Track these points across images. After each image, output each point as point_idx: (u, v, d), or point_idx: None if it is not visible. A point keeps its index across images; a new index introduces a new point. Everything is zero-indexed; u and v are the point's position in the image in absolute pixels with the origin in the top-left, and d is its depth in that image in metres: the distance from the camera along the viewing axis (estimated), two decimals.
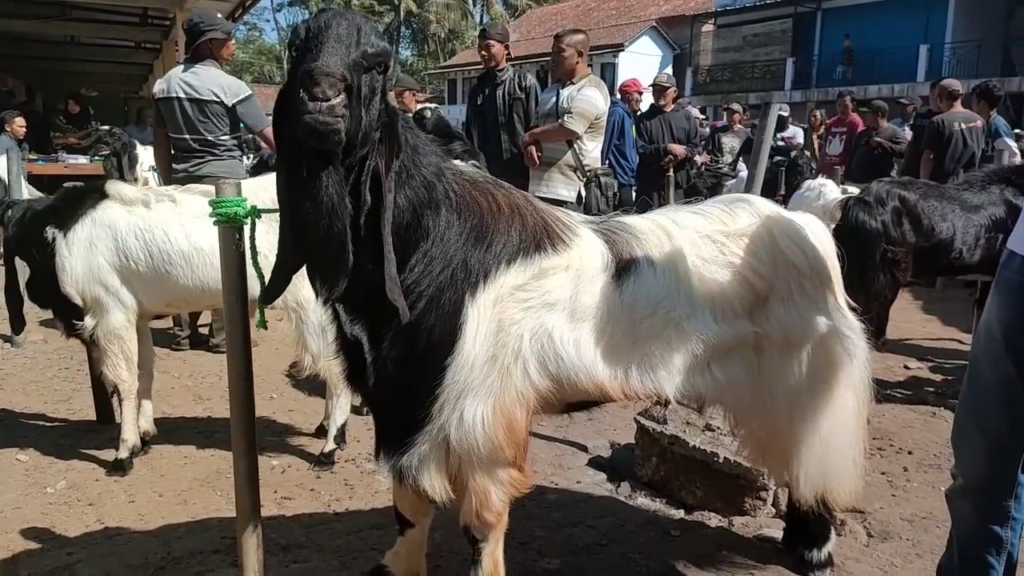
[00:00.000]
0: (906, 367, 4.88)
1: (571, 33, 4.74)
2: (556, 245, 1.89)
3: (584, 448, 3.46)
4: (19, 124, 8.09)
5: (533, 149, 4.57)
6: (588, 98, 4.47)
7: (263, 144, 5.40)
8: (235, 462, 2.08)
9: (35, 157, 8.82)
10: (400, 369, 1.79)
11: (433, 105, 5.10)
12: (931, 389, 4.43)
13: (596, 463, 3.33)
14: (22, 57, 15.96)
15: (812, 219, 2.25)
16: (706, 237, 2.05)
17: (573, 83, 4.57)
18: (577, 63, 4.58)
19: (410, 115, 5.38)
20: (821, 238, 2.18)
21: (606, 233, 2.02)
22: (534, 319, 1.83)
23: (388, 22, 44.12)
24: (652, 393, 1.99)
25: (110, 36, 14.01)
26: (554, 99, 4.63)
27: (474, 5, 43.78)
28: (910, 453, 3.46)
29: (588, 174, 4.57)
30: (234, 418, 2.06)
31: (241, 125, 4.40)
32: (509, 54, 5.31)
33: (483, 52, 5.17)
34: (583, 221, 2.06)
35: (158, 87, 4.26)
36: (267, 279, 1.84)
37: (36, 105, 13.77)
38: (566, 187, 4.60)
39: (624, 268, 1.95)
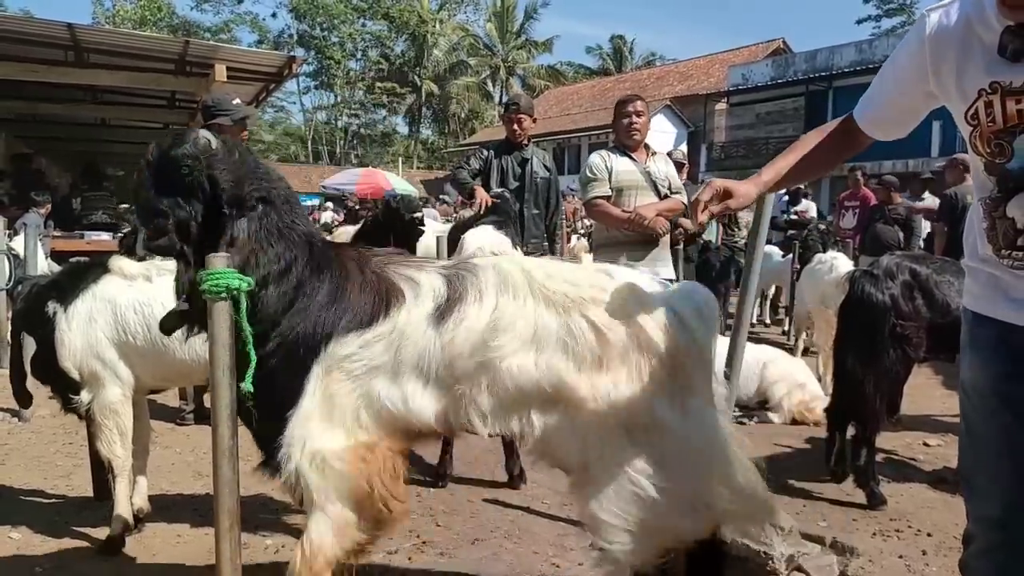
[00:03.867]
0: (925, 444, 4.73)
1: (639, 98, 4.67)
2: (391, 310, 2.07)
3: None
4: (46, 206, 8.34)
5: (663, 220, 4.39)
6: (676, 173, 4.50)
7: None
8: (217, 542, 2.03)
9: (59, 234, 9.05)
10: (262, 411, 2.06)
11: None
12: (952, 467, 4.27)
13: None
14: (55, 139, 16.59)
15: (689, 304, 2.09)
16: (563, 294, 2.05)
17: (653, 153, 4.58)
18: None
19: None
20: (688, 324, 2.05)
21: (452, 275, 2.12)
22: (362, 384, 2.05)
23: (410, 103, 45.56)
24: (470, 430, 2.09)
25: (140, 118, 14.55)
26: (636, 169, 4.48)
27: (493, 86, 45.16)
28: (929, 535, 3.31)
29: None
30: (218, 496, 2.02)
31: None
32: None
33: (515, 127, 5.18)
34: (437, 267, 2.19)
35: None
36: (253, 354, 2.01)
37: (60, 185, 14.16)
38: (671, 265, 4.61)
39: (449, 309, 2.05)
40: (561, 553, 3.11)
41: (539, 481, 3.90)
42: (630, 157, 4.52)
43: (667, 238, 4.53)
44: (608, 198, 4.48)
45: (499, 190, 5.02)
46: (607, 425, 2.00)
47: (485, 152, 5.31)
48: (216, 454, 2.03)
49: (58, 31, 8.57)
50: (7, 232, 6.53)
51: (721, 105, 29.73)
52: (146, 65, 9.74)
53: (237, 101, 4.53)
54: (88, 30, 9.40)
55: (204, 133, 2.13)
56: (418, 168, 41.27)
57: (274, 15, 58.48)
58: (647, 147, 4.62)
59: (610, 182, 4.48)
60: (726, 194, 1.91)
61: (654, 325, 2.04)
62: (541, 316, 2.04)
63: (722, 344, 4.56)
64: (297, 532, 3.28)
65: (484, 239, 3.89)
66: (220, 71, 9.14)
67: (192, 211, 2.07)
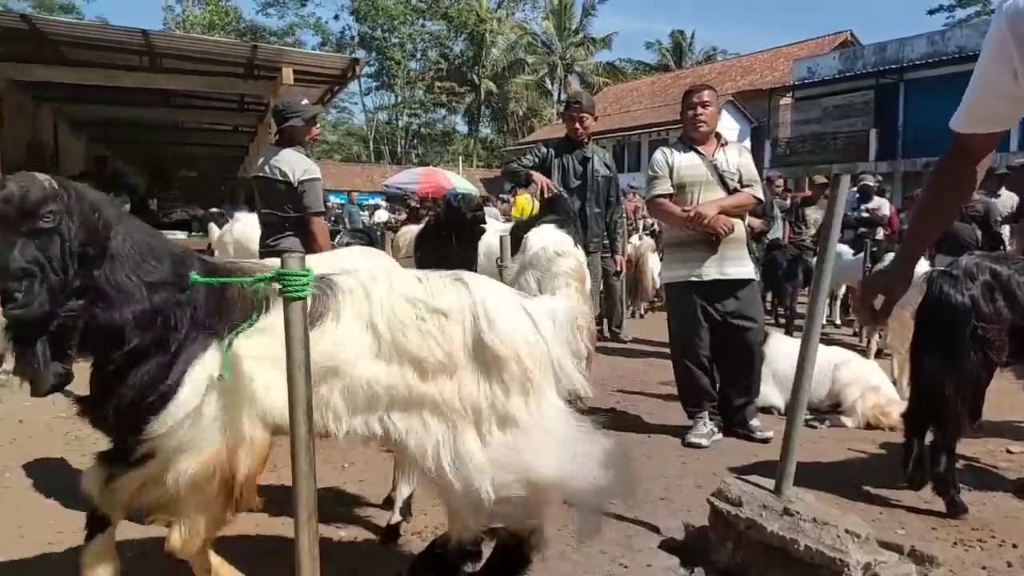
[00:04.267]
0: (1008, 451, 4.54)
1: (707, 87, 4.55)
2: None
3: (656, 529, 3.32)
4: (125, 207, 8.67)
5: (725, 219, 4.24)
6: (752, 163, 4.34)
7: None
8: (296, 534, 2.09)
9: None
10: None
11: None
12: None
13: (669, 546, 3.18)
14: (130, 142, 17.25)
15: (544, 311, 2.49)
16: (410, 302, 2.26)
17: (725, 145, 4.43)
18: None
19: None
20: (542, 331, 2.37)
21: (316, 289, 2.22)
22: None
23: (469, 102, 45.84)
24: (322, 431, 2.22)
25: (210, 121, 15.04)
26: (702, 163, 4.36)
27: (551, 84, 45.09)
28: (1015, 546, 3.18)
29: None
30: (296, 488, 2.08)
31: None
32: None
33: (576, 124, 5.16)
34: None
35: (255, 166, 4.58)
36: None
37: (135, 186, 14.77)
38: (750, 264, 4.49)
39: (313, 322, 2.18)
40: (628, 554, 3.10)
41: None
42: (696, 151, 4.43)
43: (740, 233, 4.40)
44: (670, 196, 4.42)
45: (556, 190, 5.01)
46: (456, 425, 2.23)
47: (543, 149, 5.29)
48: (294, 448, 2.09)
49: (134, 37, 8.92)
50: None
51: (786, 100, 29.02)
52: (217, 69, 10.06)
53: (305, 102, 4.66)
54: (162, 35, 9.77)
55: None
56: (477, 167, 41.51)
57: (336, 17, 59.48)
58: (718, 137, 4.52)
59: (671, 179, 4.41)
60: (888, 298, 1.96)
61: (495, 333, 2.25)
62: (387, 329, 2.23)
63: (792, 345, 4.50)
64: (369, 524, 3.36)
65: (548, 238, 3.89)
66: (287, 74, 9.39)
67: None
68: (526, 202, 5.34)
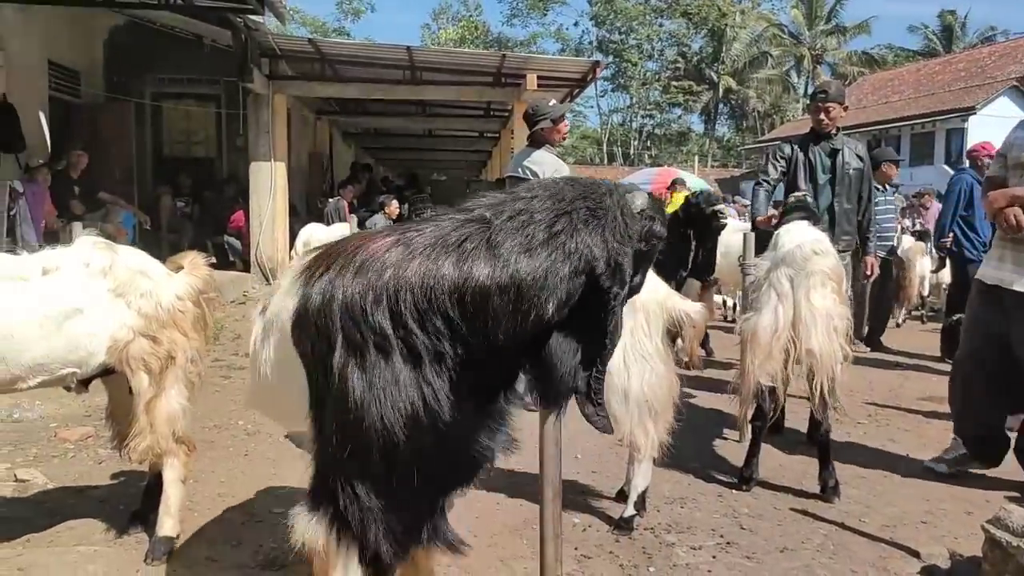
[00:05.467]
0: None
1: None
2: None
3: (916, 554, 3.02)
4: (395, 207, 9.53)
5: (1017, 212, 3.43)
6: None
7: None
8: (541, 510, 2.21)
9: None
10: None
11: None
12: None
13: (929, 572, 2.89)
14: (388, 149, 19.04)
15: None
16: None
17: None
18: None
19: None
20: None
21: None
22: None
23: (705, 101, 44.67)
24: None
25: (458, 128, 16.14)
26: None
27: (797, 77, 42.52)
28: None
29: None
30: (543, 469, 2.21)
31: None
32: None
33: (821, 115, 4.80)
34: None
35: (508, 166, 4.91)
36: None
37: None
38: None
39: None
40: None
41: (855, 497, 3.62)
42: None
43: None
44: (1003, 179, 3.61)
45: (799, 193, 4.67)
46: None
47: (786, 148, 4.96)
48: (542, 433, 2.23)
49: (399, 53, 9.82)
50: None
51: None
52: (469, 79, 10.77)
53: (553, 103, 4.86)
54: (422, 50, 10.65)
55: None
56: (712, 167, 40.30)
57: (576, 24, 60.88)
58: None
59: (1006, 158, 3.67)
60: None
61: None
62: None
63: None
64: (601, 514, 3.43)
65: (803, 235, 3.70)
66: (531, 80, 9.81)
67: None
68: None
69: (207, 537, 3.08)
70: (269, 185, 9.81)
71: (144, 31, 10.74)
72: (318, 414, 1.71)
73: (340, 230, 7.90)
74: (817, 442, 3.76)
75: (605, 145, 47.36)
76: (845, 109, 4.90)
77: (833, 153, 4.84)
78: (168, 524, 2.90)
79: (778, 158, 4.94)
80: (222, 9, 8.65)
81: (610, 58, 42.92)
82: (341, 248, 1.73)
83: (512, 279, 1.51)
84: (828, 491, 3.61)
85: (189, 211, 11.04)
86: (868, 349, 7.53)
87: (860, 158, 4.89)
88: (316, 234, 8.36)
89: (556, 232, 1.52)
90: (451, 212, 1.67)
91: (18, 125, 8.03)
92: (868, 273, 5.42)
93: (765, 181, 4.97)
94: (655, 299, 3.12)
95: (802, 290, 3.48)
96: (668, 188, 10.89)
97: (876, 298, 7.75)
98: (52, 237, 6.68)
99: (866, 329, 7.76)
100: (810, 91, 39.15)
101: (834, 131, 4.85)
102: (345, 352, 1.59)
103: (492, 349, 1.57)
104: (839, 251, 4.54)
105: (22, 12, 8.58)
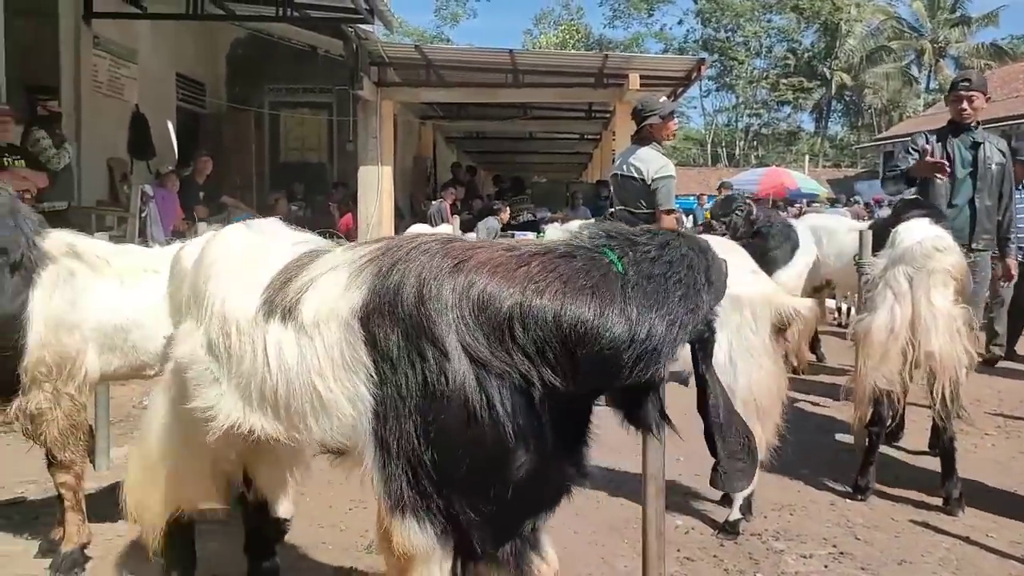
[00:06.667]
0: None
1: None
2: None
3: None
4: (507, 214, 9.66)
5: None
6: None
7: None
8: (644, 507, 2.18)
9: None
10: None
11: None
12: None
13: None
14: (489, 152, 19.30)
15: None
16: None
17: None
18: None
19: None
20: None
21: None
22: None
23: (817, 98, 42.93)
24: None
25: (559, 130, 16.16)
26: None
27: (918, 72, 40.19)
28: None
29: None
30: (646, 467, 2.19)
31: None
32: None
33: (963, 106, 4.50)
34: None
35: (614, 164, 4.88)
36: None
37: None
38: None
39: None
40: None
41: (981, 512, 3.38)
42: None
43: None
44: None
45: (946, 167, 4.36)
46: None
47: (920, 140, 4.67)
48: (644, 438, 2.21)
49: (501, 57, 9.93)
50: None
51: None
52: (570, 81, 10.77)
53: (663, 99, 4.77)
54: (524, 53, 10.76)
55: None
56: (824, 166, 38.61)
57: (680, 22, 59.84)
58: None
59: None
60: None
61: None
62: None
63: None
64: (704, 517, 3.35)
65: (923, 232, 3.49)
66: (634, 80, 9.69)
67: None
68: None
69: (317, 522, 3.21)
70: (376, 188, 10.12)
71: (263, 43, 11.35)
72: (400, 414, 1.64)
73: (444, 231, 8.11)
74: (940, 451, 3.54)
75: (709, 146, 46.27)
76: (988, 100, 4.59)
77: (974, 146, 4.52)
78: None
79: (911, 150, 4.67)
80: (335, 20, 9.01)
81: (715, 56, 41.89)
82: (417, 245, 1.72)
83: (648, 337, 1.56)
84: (952, 503, 3.39)
85: (302, 214, 11.55)
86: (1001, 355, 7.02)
87: (1002, 153, 4.57)
88: None
89: (685, 297, 1.62)
90: (574, 243, 1.70)
91: (149, 134, 8.66)
92: (1011, 276, 5.03)
93: (895, 168, 4.70)
94: (762, 294, 3.02)
95: (922, 289, 3.29)
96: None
97: (1012, 302, 7.22)
98: (179, 238, 7.15)
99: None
100: (931, 86, 37.02)
101: (975, 123, 4.55)
102: (460, 361, 1.59)
103: (600, 390, 1.68)
104: (979, 250, 4.26)
105: (153, 28, 9.25)
